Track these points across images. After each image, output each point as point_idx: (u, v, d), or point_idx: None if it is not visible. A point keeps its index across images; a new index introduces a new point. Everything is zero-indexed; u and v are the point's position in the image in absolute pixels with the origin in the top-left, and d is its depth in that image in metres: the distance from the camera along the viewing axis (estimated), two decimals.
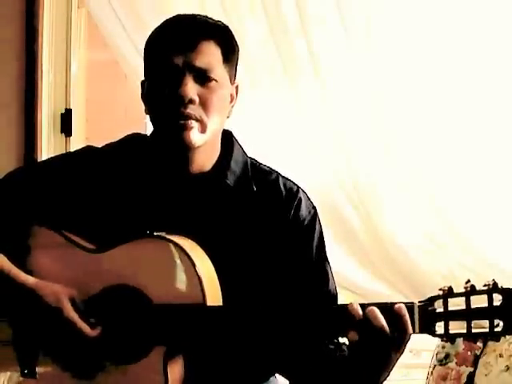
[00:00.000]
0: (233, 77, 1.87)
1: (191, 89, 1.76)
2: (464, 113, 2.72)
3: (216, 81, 1.79)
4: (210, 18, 1.87)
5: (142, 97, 1.89)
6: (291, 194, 1.89)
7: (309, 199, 1.92)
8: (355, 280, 2.88)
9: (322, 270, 1.89)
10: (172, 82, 1.77)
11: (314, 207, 1.92)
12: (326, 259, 1.91)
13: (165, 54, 1.78)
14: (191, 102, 1.76)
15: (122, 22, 2.96)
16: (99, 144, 1.94)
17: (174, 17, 1.86)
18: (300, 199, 1.89)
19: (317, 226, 1.90)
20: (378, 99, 2.80)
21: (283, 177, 1.92)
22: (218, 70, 1.80)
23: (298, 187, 1.92)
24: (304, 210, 1.88)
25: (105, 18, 3.00)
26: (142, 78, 1.88)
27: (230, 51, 1.84)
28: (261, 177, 1.90)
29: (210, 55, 1.79)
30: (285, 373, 1.89)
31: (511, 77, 2.67)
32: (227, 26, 1.88)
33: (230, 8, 2.88)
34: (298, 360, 1.81)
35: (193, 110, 1.76)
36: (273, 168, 1.94)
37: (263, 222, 1.85)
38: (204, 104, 1.78)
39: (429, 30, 2.71)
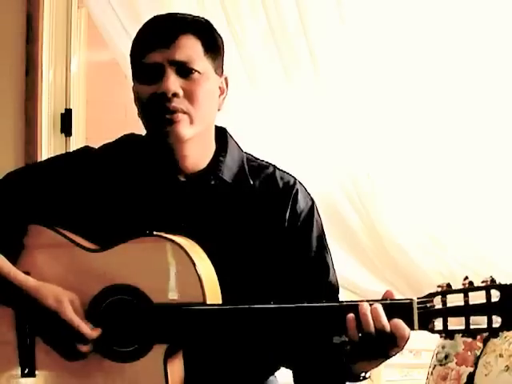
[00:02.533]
0: (219, 69, 1.87)
1: (173, 83, 1.77)
2: (464, 112, 2.71)
3: (199, 72, 1.80)
4: (189, 14, 1.88)
5: (134, 102, 1.89)
6: (288, 187, 1.89)
7: (306, 191, 1.93)
8: (355, 280, 2.88)
9: (322, 262, 1.89)
10: (154, 78, 1.78)
11: (311, 199, 1.92)
12: (326, 250, 1.91)
13: (144, 53, 1.79)
14: (175, 95, 1.77)
15: (122, 22, 2.96)
16: (99, 144, 1.95)
17: (151, 18, 1.88)
18: (297, 191, 1.89)
19: (315, 217, 1.90)
20: (378, 99, 2.80)
21: (280, 170, 1.93)
22: (200, 62, 1.81)
23: (295, 179, 1.92)
24: (302, 202, 1.89)
25: (105, 18, 3.00)
26: None
27: (211, 43, 1.85)
28: (257, 171, 1.90)
29: (189, 48, 1.80)
30: (287, 364, 1.90)
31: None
32: (207, 20, 1.89)
33: (230, 8, 2.88)
34: (299, 353, 1.82)
35: (178, 103, 1.77)
36: (269, 162, 1.94)
37: (262, 216, 1.85)
38: (189, 96, 1.78)
39: (429, 29, 2.71)
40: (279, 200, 1.87)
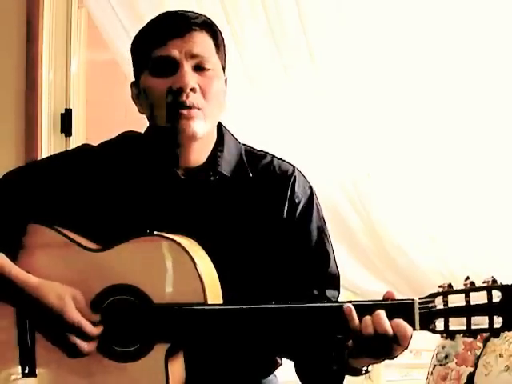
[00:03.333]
0: (224, 69, 1.87)
1: (191, 77, 1.76)
2: (463, 112, 2.72)
3: (213, 69, 1.80)
4: (198, 13, 1.87)
5: (133, 98, 1.88)
6: (286, 176, 1.88)
7: (305, 179, 1.91)
8: (355, 280, 2.89)
9: (323, 251, 1.88)
10: (169, 72, 1.77)
11: (310, 187, 1.91)
12: (326, 239, 1.90)
13: (158, 45, 1.78)
14: (192, 90, 1.76)
15: (122, 22, 2.96)
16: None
17: (161, 14, 1.87)
18: (295, 180, 1.88)
19: (314, 206, 1.89)
20: (378, 99, 2.80)
21: (278, 158, 1.92)
22: (213, 59, 1.81)
23: (294, 168, 1.91)
24: (299, 192, 1.88)
25: (105, 18, 3.00)
26: None
27: (219, 42, 1.85)
28: (256, 162, 1.89)
29: (204, 44, 1.80)
30: (289, 357, 1.89)
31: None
32: (212, 21, 1.88)
33: (230, 7, 2.88)
34: (300, 349, 1.81)
35: (194, 98, 1.76)
36: (267, 151, 1.93)
37: (261, 208, 1.84)
38: (204, 92, 1.78)
39: (429, 28, 2.72)
40: (277, 190, 1.86)
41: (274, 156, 1.92)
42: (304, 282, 1.83)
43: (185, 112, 1.76)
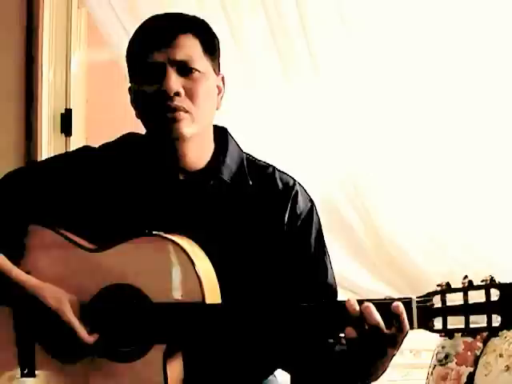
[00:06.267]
0: (217, 68, 1.88)
1: (175, 82, 1.77)
2: (464, 112, 2.72)
3: (199, 71, 1.80)
4: (186, 14, 1.88)
5: (131, 102, 1.89)
6: (288, 188, 1.89)
7: (306, 192, 1.92)
8: (355, 280, 2.88)
9: (320, 263, 1.89)
10: (156, 78, 1.78)
11: (311, 200, 1.92)
12: (324, 251, 1.91)
13: (145, 53, 1.79)
14: (177, 94, 1.77)
15: (122, 22, 2.96)
16: (99, 144, 1.95)
17: (149, 18, 1.88)
18: (297, 192, 1.89)
19: (314, 219, 1.90)
20: (378, 99, 2.80)
21: (279, 171, 1.92)
22: (200, 61, 1.81)
23: (295, 180, 1.92)
24: (301, 203, 1.88)
25: (105, 18, 3.00)
26: None
27: (209, 42, 1.85)
28: (257, 172, 1.90)
29: (189, 47, 1.80)
30: (285, 366, 1.90)
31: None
32: (203, 20, 1.89)
33: (230, 8, 2.89)
34: (297, 354, 1.81)
35: (180, 102, 1.77)
36: (269, 163, 1.94)
37: (261, 217, 1.85)
38: (190, 95, 1.79)
39: (429, 29, 2.72)
40: (279, 201, 1.87)
41: (275, 168, 1.93)
42: (301, 292, 1.82)
43: (170, 115, 1.77)
